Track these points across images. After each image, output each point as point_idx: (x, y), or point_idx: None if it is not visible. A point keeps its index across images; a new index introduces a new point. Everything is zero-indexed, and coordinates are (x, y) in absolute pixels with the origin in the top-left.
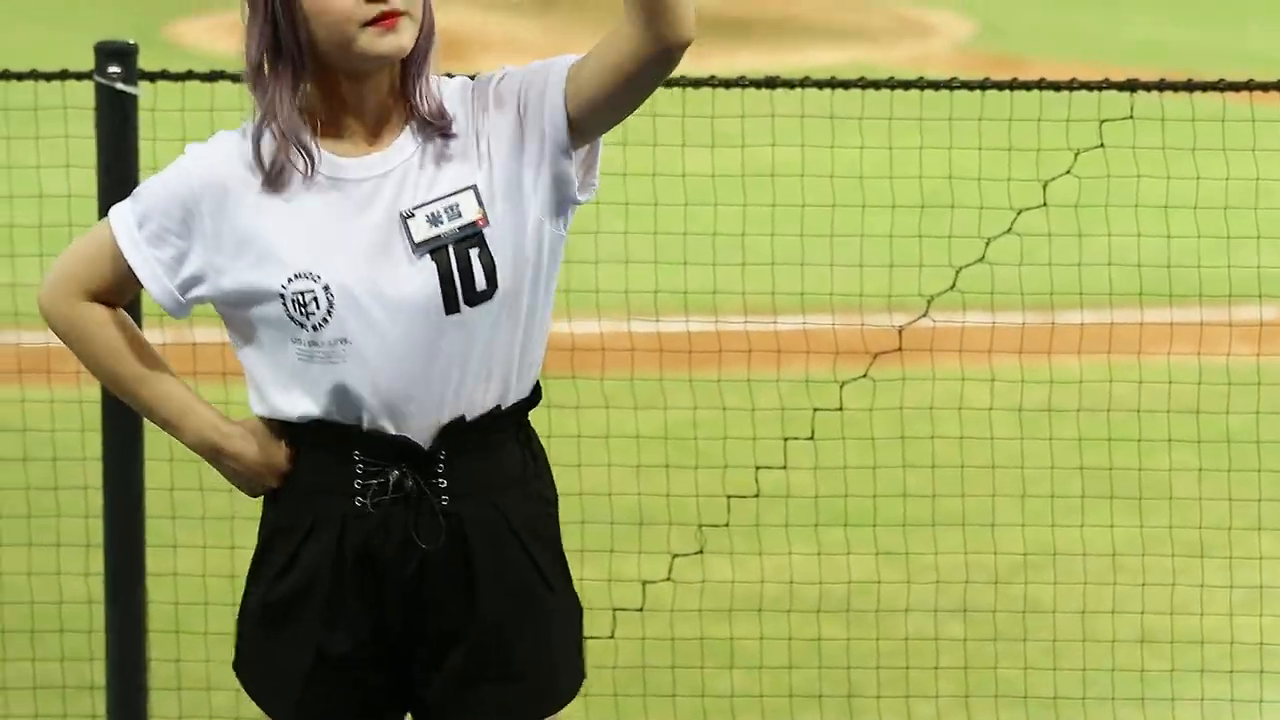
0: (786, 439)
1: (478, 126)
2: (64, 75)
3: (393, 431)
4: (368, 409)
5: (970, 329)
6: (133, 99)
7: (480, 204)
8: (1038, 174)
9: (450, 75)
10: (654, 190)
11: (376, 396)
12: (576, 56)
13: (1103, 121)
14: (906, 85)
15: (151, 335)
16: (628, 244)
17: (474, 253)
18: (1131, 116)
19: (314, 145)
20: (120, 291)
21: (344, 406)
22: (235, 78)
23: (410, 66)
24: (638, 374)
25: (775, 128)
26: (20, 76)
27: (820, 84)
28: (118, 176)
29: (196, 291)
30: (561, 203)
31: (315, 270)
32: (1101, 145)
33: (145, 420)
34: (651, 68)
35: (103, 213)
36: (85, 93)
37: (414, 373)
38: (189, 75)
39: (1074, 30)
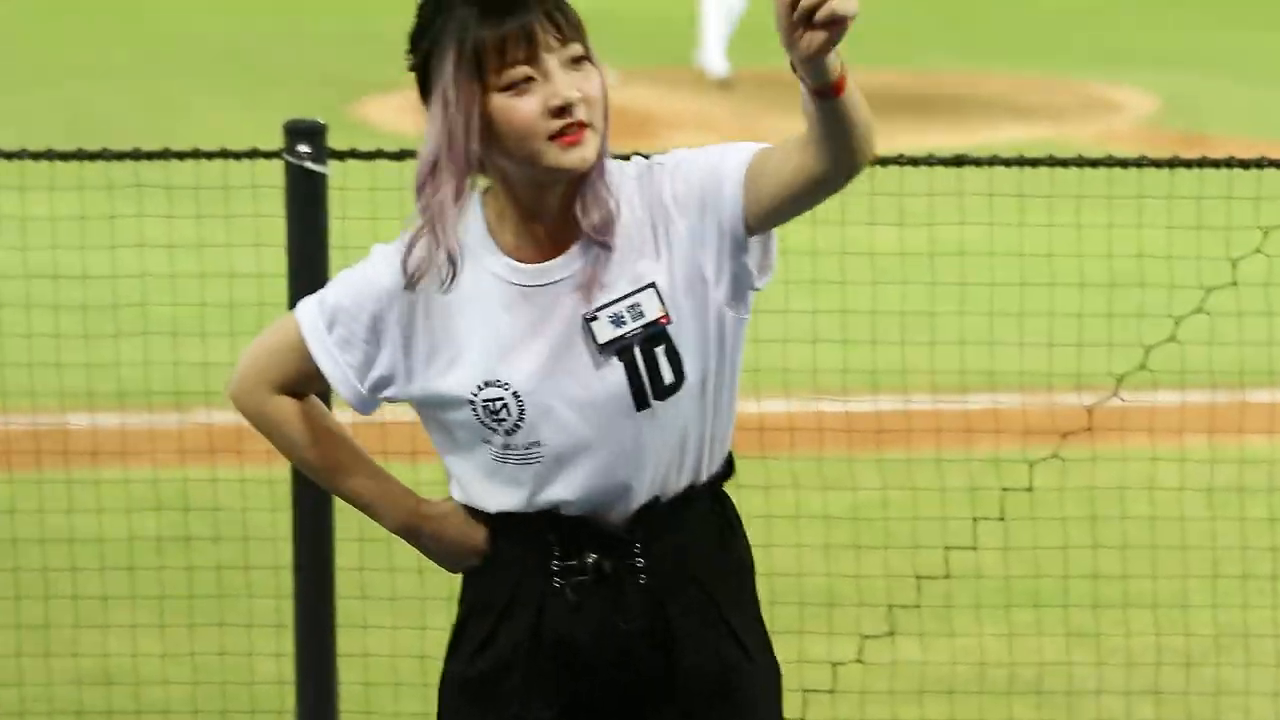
0: (976, 519)
1: (654, 217)
2: (254, 154)
3: (589, 518)
4: (562, 499)
5: (1161, 408)
6: (322, 177)
7: (661, 301)
8: (1227, 251)
9: (626, 157)
10: (842, 268)
11: (571, 493)
12: (753, 147)
13: None
14: (1095, 163)
15: (341, 414)
16: (816, 322)
17: (659, 350)
18: None
19: (459, 254)
20: (308, 385)
21: (538, 497)
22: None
23: (587, 174)
24: (826, 453)
25: (964, 205)
26: (210, 156)
27: (1008, 162)
28: (307, 255)
29: (387, 393)
30: (740, 290)
31: (504, 378)
32: None
33: (336, 500)
34: (830, 187)
35: (293, 292)
36: (275, 172)
37: (609, 468)
38: (378, 154)
39: (1261, 107)
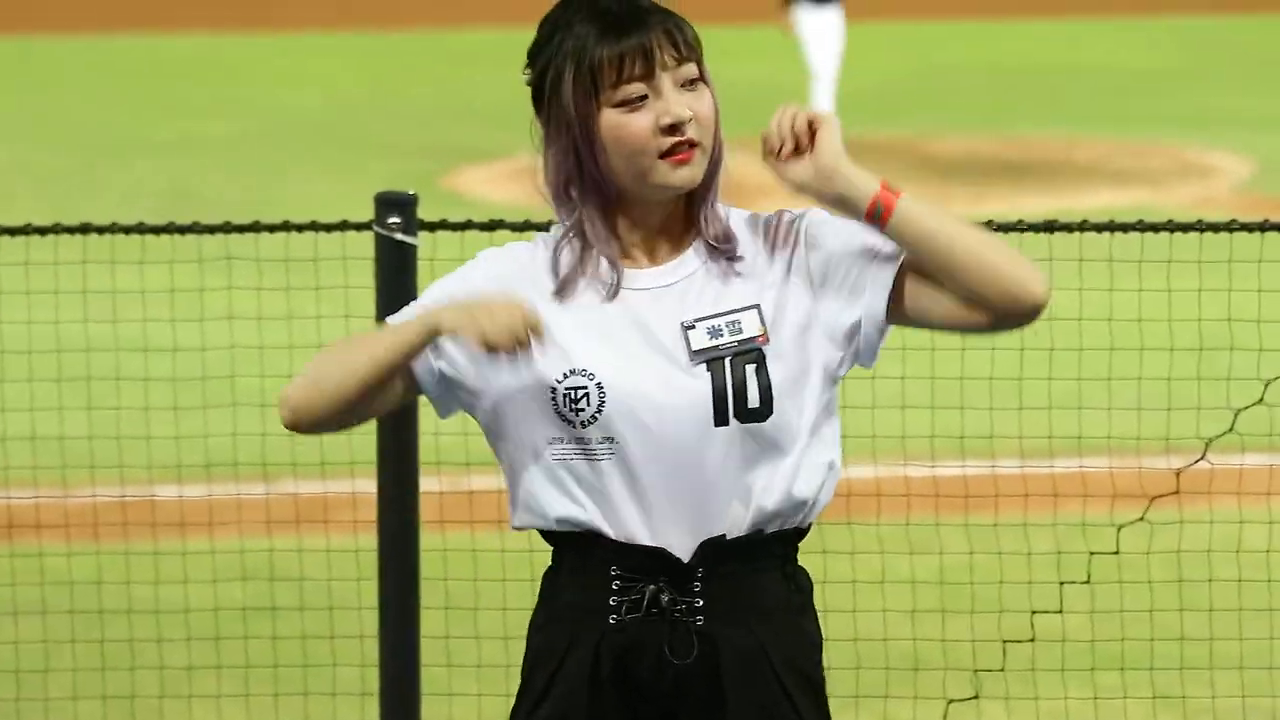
0: (1062, 583)
1: (772, 256)
2: (344, 226)
3: (650, 543)
4: (626, 514)
5: (1249, 471)
6: (412, 249)
7: (763, 322)
8: None
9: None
10: (931, 335)
11: (636, 499)
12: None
13: None
14: (1185, 228)
15: (427, 483)
16: (904, 389)
17: (750, 368)
18: None
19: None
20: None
21: (602, 509)
22: (515, 225)
23: (699, 191)
24: (914, 518)
25: (1053, 270)
26: (300, 228)
27: (1099, 227)
28: None
29: (460, 375)
30: (846, 361)
31: (590, 368)
32: None
33: (421, 569)
34: (986, 331)
35: None
36: (365, 243)
37: (676, 479)
38: (468, 225)
39: None
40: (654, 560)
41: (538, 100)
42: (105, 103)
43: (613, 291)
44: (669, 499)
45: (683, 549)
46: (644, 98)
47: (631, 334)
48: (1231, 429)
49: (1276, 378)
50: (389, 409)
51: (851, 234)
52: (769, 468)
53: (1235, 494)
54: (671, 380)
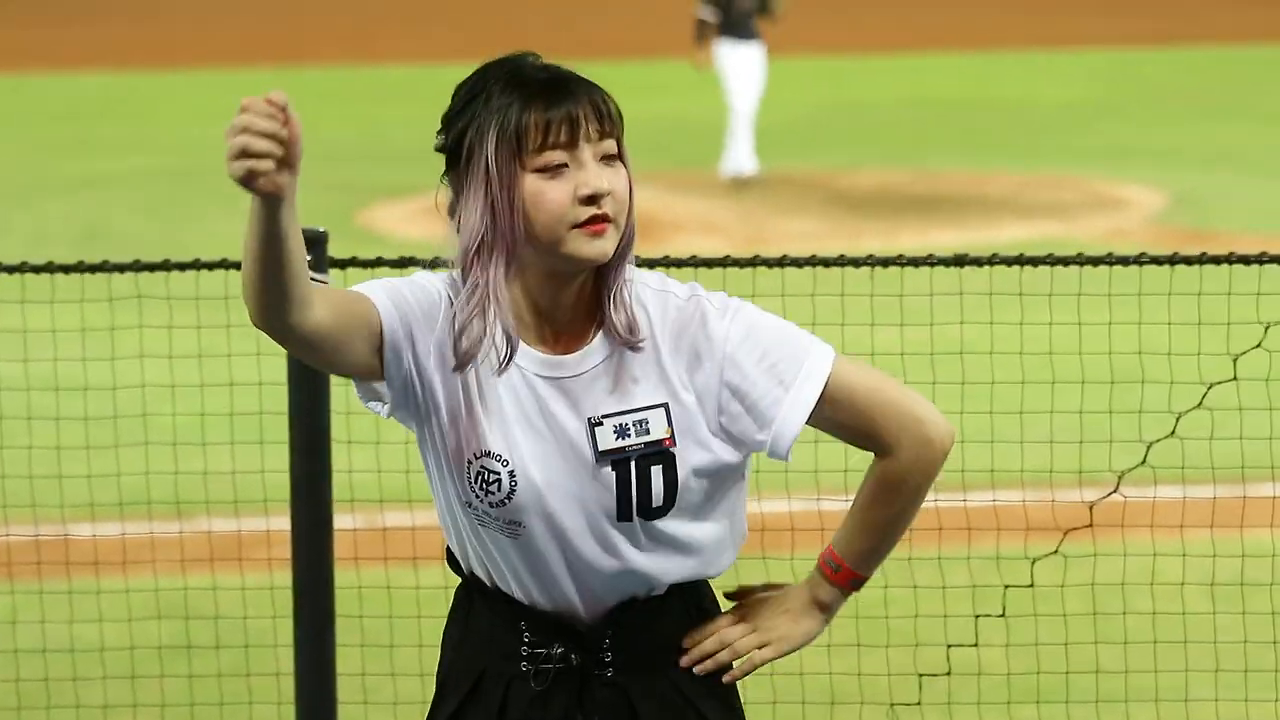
0: (978, 616)
1: (683, 350)
2: None
3: (559, 610)
4: (532, 585)
5: (1161, 503)
6: (322, 286)
7: (670, 423)
8: (1228, 348)
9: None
10: None
11: (542, 580)
12: (817, 390)
13: None
14: (1095, 261)
15: (341, 520)
16: None
17: (656, 469)
18: None
19: (511, 334)
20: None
21: (512, 580)
22: (425, 263)
23: (608, 273)
24: None
25: (964, 305)
26: (211, 266)
27: (1009, 261)
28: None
29: (399, 364)
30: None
31: (505, 455)
32: None
33: (337, 606)
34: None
35: (293, 400)
36: None
37: (582, 566)
38: (378, 262)
39: (1268, 201)
40: (562, 625)
41: (452, 164)
42: (8, 143)
43: (507, 365)
44: (574, 579)
45: (590, 616)
46: (564, 166)
47: (540, 424)
48: (1144, 462)
49: (1188, 410)
50: (360, 348)
51: (772, 359)
52: (673, 548)
53: (1148, 526)
54: (578, 476)
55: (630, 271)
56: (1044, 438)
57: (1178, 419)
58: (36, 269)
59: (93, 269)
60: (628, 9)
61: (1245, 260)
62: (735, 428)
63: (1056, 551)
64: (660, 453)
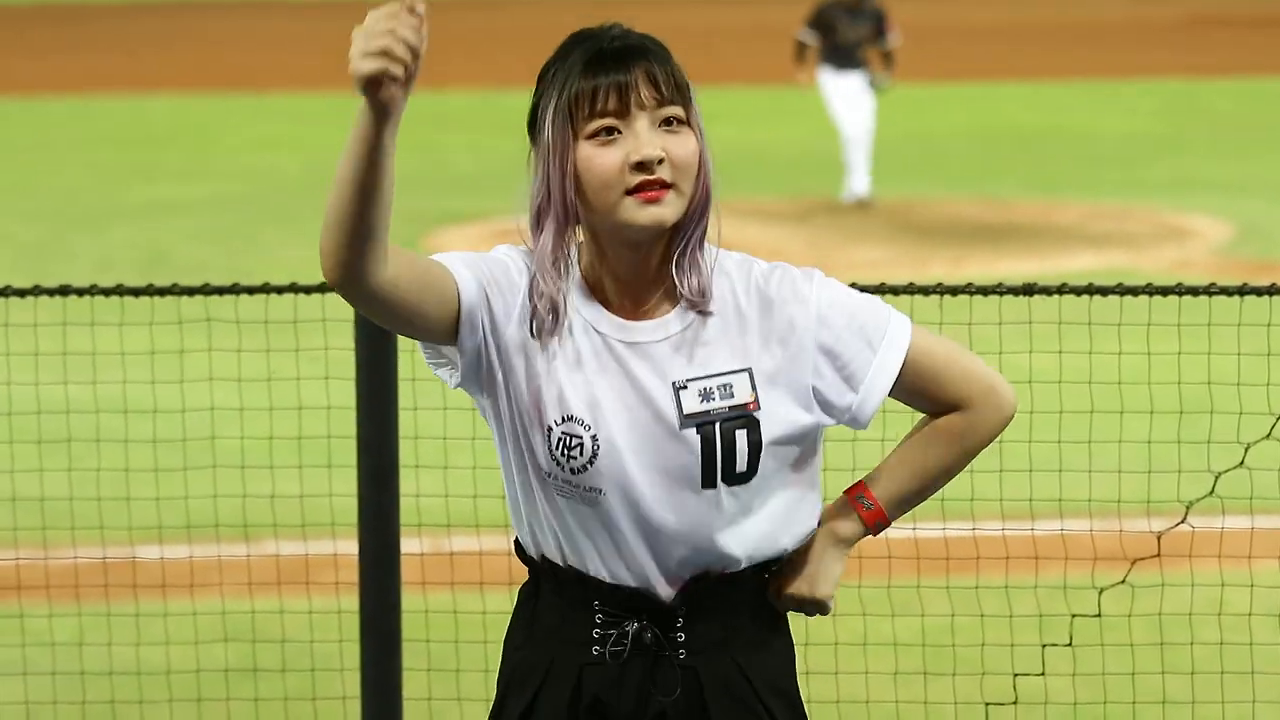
0: (1045, 645)
1: (771, 315)
2: (324, 288)
3: (634, 585)
4: (609, 557)
5: (1229, 533)
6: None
7: (754, 388)
8: None
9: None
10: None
11: (620, 550)
12: (904, 338)
13: None
14: (1165, 291)
15: (408, 545)
16: (884, 451)
17: (741, 433)
18: None
19: (564, 303)
20: (411, 277)
21: (587, 554)
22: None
23: (675, 238)
24: (895, 580)
25: (1033, 334)
26: (280, 290)
27: (1078, 290)
28: (376, 388)
29: (481, 326)
30: (836, 421)
31: (588, 419)
32: None
33: (404, 631)
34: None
35: (361, 425)
36: (344, 305)
37: (662, 535)
38: None
39: None
40: (638, 599)
41: (531, 137)
42: (75, 168)
43: (555, 329)
44: (651, 549)
45: (665, 589)
46: (616, 132)
47: (624, 388)
48: (1212, 492)
49: (1256, 441)
50: (433, 313)
51: (860, 321)
52: (753, 521)
53: (1216, 556)
54: (661, 440)
55: (711, 249)
56: (1112, 467)
57: (1246, 449)
58: (106, 292)
59: (161, 292)
60: (701, 35)
61: None
62: (826, 390)
63: (1124, 581)
64: (744, 417)
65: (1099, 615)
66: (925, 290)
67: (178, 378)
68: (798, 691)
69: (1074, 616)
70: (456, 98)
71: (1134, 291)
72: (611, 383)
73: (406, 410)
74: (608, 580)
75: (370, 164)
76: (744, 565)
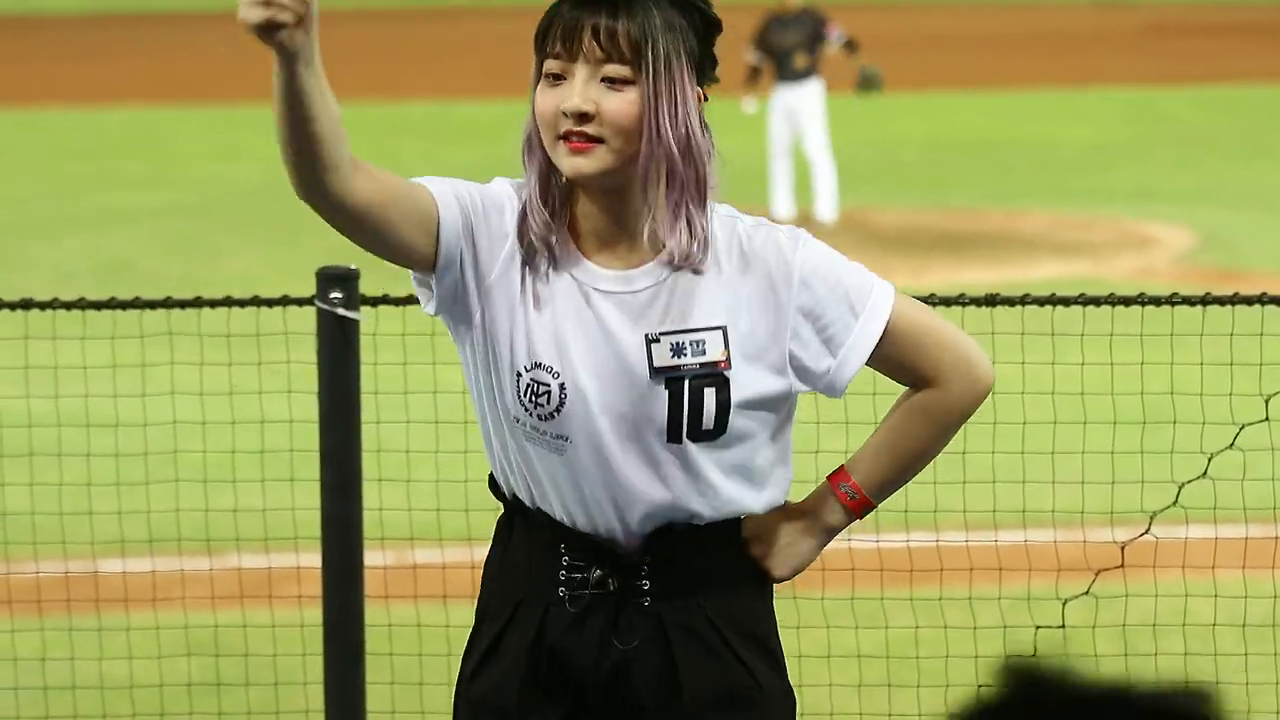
0: (1009, 657)
1: (750, 274)
2: (286, 301)
3: (600, 534)
4: (574, 505)
5: (1193, 543)
6: (354, 324)
7: (726, 346)
8: (1260, 388)
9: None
10: (874, 408)
11: (584, 500)
12: (886, 305)
13: None
14: (1127, 301)
15: (371, 558)
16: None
17: (709, 390)
18: None
19: (557, 242)
20: (395, 196)
21: (554, 500)
22: None
23: (631, 195)
24: (858, 591)
25: (995, 345)
26: (243, 303)
27: (1040, 300)
28: (339, 401)
29: (460, 255)
30: (810, 388)
31: (556, 366)
32: None
33: (367, 644)
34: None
35: (324, 438)
36: (307, 318)
37: (626, 487)
38: (410, 300)
39: None
40: (603, 548)
41: None
42: (27, 177)
43: (549, 266)
44: (615, 500)
45: (630, 540)
46: (560, 78)
47: (596, 337)
48: (1176, 502)
49: (1220, 451)
50: (409, 239)
51: (845, 286)
52: (720, 475)
53: (1180, 567)
54: (630, 392)
55: (713, 207)
56: (1076, 478)
57: (1210, 459)
58: (68, 305)
59: (124, 305)
60: None
61: (1277, 300)
62: (803, 354)
63: (1088, 592)
64: (715, 375)
65: (1063, 626)
66: None
67: (140, 391)
68: (775, 638)
69: (1038, 628)
70: (413, 107)
71: (1096, 301)
72: (584, 331)
73: (369, 423)
74: (573, 528)
75: (296, 102)
76: (716, 519)
